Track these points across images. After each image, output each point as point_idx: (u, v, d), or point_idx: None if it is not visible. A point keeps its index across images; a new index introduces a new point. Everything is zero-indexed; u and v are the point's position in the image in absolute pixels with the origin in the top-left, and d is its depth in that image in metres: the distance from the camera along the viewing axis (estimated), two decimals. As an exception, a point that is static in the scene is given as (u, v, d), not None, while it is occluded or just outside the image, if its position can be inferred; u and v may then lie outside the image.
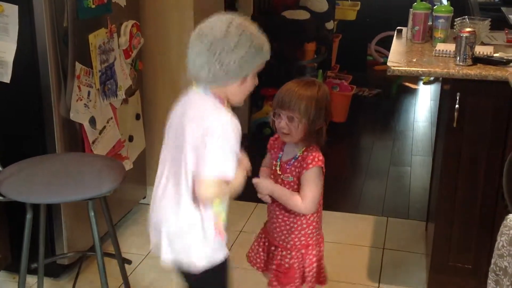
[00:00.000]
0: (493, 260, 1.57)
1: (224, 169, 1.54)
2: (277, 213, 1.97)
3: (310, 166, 1.89)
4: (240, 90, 1.59)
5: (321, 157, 1.91)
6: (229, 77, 1.54)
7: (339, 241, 2.96)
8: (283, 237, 1.98)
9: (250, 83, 1.60)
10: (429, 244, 2.61)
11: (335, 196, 3.51)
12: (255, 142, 2.25)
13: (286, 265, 1.98)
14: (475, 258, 2.40)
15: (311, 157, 1.90)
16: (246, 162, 1.71)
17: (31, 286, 2.52)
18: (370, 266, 2.76)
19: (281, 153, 1.97)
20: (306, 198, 1.89)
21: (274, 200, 1.95)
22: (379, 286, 2.60)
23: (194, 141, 1.56)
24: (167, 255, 1.68)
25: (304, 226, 1.97)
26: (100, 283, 2.14)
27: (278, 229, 1.98)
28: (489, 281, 1.59)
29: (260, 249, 2.07)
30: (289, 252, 1.97)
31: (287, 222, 1.96)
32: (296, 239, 1.97)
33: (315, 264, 2.00)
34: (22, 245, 2.10)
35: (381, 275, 2.68)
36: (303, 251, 1.97)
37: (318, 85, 1.90)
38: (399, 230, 3.09)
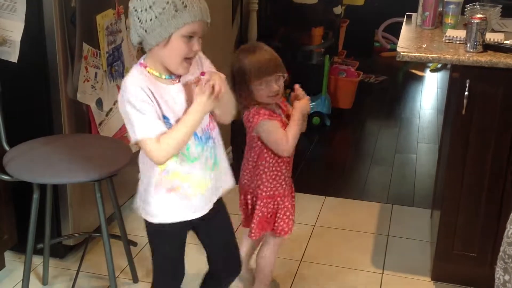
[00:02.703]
0: (502, 248, 1.56)
1: (139, 130, 1.56)
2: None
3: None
4: (167, 53, 1.55)
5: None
6: (150, 36, 1.53)
7: (343, 228, 2.96)
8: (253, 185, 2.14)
9: (178, 45, 1.54)
10: (434, 231, 2.60)
11: (341, 183, 3.51)
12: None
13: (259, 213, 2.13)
14: (480, 247, 2.40)
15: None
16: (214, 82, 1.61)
17: (36, 266, 2.53)
18: (375, 253, 2.76)
19: (280, 111, 2.12)
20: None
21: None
22: (383, 273, 2.61)
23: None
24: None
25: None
26: (106, 264, 2.15)
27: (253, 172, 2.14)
28: (497, 268, 1.59)
29: (243, 203, 2.20)
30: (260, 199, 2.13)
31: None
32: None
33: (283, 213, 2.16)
34: (28, 226, 2.11)
35: (385, 262, 2.68)
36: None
37: (263, 44, 2.07)
38: (404, 217, 3.09)
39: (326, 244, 2.82)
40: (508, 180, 2.30)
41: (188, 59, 1.59)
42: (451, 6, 2.56)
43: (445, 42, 2.40)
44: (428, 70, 5.82)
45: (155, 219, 1.72)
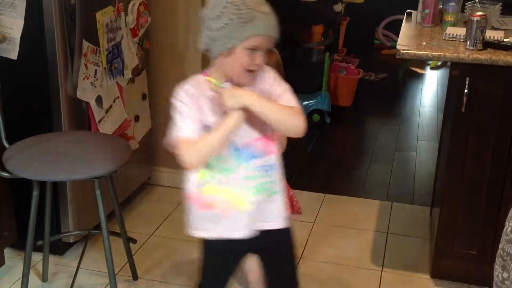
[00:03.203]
0: (500, 246, 1.56)
1: (176, 130, 1.56)
2: None
3: None
4: (229, 63, 1.55)
5: None
6: (215, 45, 1.54)
7: (343, 225, 2.96)
8: None
9: (241, 57, 1.54)
10: (434, 229, 2.61)
11: (340, 180, 3.51)
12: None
13: None
14: (480, 244, 2.40)
15: None
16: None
17: (36, 263, 2.53)
18: (374, 250, 2.76)
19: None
20: None
21: None
22: (382, 270, 2.61)
23: None
24: None
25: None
26: (106, 261, 2.15)
27: None
28: (496, 266, 1.59)
29: None
30: None
31: None
32: None
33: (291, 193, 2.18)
34: (28, 223, 2.11)
35: (385, 260, 2.69)
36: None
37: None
38: (403, 215, 3.09)
39: (326, 241, 2.82)
40: (508, 177, 2.30)
41: (250, 71, 1.58)
42: (451, 4, 2.56)
43: (445, 39, 2.40)
44: (428, 68, 5.82)
45: (193, 232, 1.70)
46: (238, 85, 1.58)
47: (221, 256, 1.75)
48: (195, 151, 1.54)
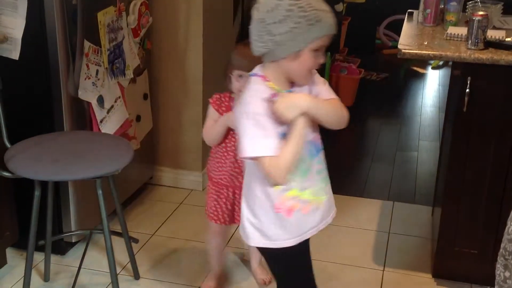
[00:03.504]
0: (502, 245, 1.56)
1: (257, 147, 1.51)
2: None
3: None
4: (296, 66, 1.52)
5: None
6: (280, 49, 1.50)
7: (345, 225, 2.96)
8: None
9: (307, 59, 1.51)
10: (435, 229, 2.61)
11: (342, 180, 3.50)
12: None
13: None
14: (481, 243, 2.40)
15: None
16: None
17: (38, 263, 2.53)
18: (376, 250, 2.76)
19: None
20: None
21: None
22: (384, 270, 2.61)
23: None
24: None
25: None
26: (107, 261, 2.16)
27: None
28: (497, 265, 1.59)
29: (228, 203, 2.23)
30: None
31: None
32: None
33: None
34: (30, 222, 2.12)
35: (387, 259, 2.69)
36: None
37: None
38: (405, 214, 3.09)
39: (327, 241, 2.82)
40: (509, 177, 2.30)
41: (312, 71, 1.59)
42: (452, 4, 2.56)
43: (446, 39, 2.40)
44: (429, 68, 5.82)
45: (277, 244, 1.66)
46: (299, 85, 1.59)
47: (306, 254, 1.78)
48: (284, 169, 1.51)
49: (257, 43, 1.53)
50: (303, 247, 1.72)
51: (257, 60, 2.00)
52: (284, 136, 1.54)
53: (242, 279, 2.51)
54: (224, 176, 2.20)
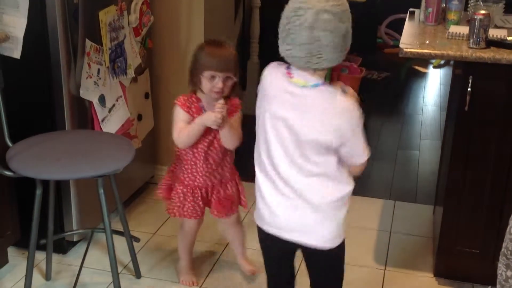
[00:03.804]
0: (504, 244, 1.56)
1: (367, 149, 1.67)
2: (220, 155, 2.24)
3: (238, 110, 2.22)
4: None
5: (238, 101, 2.23)
6: (344, 50, 1.63)
7: (346, 224, 2.96)
8: (218, 175, 2.27)
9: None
10: (437, 228, 2.60)
11: (343, 179, 3.50)
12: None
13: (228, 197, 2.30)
14: (483, 243, 2.40)
15: (235, 104, 2.21)
16: None
17: (39, 262, 2.54)
18: (377, 249, 2.76)
19: (203, 111, 2.17)
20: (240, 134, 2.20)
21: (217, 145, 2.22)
22: (385, 269, 2.61)
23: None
24: None
25: (229, 159, 2.29)
26: (109, 260, 2.16)
27: (217, 170, 2.26)
28: (499, 264, 1.59)
29: (201, 202, 2.29)
30: (227, 184, 2.31)
31: (221, 160, 2.26)
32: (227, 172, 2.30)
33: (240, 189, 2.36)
34: (31, 221, 2.12)
35: (388, 258, 2.69)
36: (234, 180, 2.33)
37: (227, 42, 2.17)
38: (406, 213, 3.09)
39: (329, 240, 2.82)
40: (511, 176, 2.29)
41: None
42: (454, 2, 2.56)
43: (448, 38, 2.40)
44: (431, 67, 5.81)
45: (342, 238, 1.79)
46: None
47: (269, 247, 1.88)
48: None
49: (338, 53, 1.63)
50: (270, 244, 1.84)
51: (229, 60, 2.08)
52: None
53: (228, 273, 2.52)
54: (197, 178, 2.25)
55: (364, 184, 3.44)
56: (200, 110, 2.17)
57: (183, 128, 2.15)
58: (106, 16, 2.50)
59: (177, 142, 2.18)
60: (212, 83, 2.09)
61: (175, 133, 2.17)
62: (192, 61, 2.15)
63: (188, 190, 2.28)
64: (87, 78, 2.43)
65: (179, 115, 2.17)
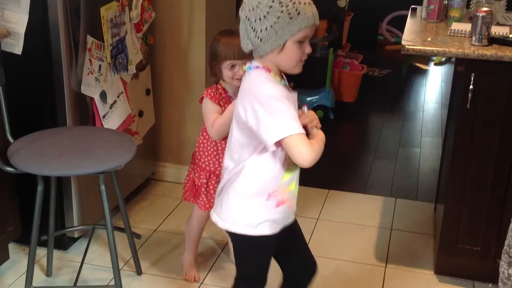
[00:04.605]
0: (506, 242, 1.56)
1: (284, 127, 1.53)
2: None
3: None
4: (282, 58, 1.58)
5: None
6: (266, 45, 1.56)
7: (347, 221, 2.96)
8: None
9: (293, 50, 1.57)
10: (438, 225, 2.60)
11: (344, 176, 3.50)
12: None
13: None
14: (484, 240, 2.40)
15: None
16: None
17: (40, 258, 2.54)
18: (378, 246, 2.76)
19: (231, 100, 2.18)
20: None
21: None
22: (386, 267, 2.61)
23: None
24: None
25: None
26: (110, 256, 2.16)
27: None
28: (501, 262, 1.59)
29: (213, 190, 2.29)
30: None
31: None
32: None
33: None
34: (32, 217, 2.12)
35: (389, 256, 2.68)
36: None
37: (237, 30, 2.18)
38: (407, 211, 3.09)
39: (330, 237, 2.82)
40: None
41: (301, 60, 1.62)
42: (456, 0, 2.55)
43: (450, 35, 2.39)
44: (432, 64, 5.81)
45: (257, 231, 1.69)
46: (292, 75, 1.64)
47: (272, 250, 1.79)
48: (316, 152, 1.52)
49: (244, 40, 1.60)
50: (274, 240, 1.74)
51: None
52: None
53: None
54: (210, 162, 2.28)
55: (364, 181, 3.44)
56: (229, 100, 2.19)
57: (216, 120, 2.15)
58: (108, 12, 2.50)
59: (212, 133, 2.17)
60: (232, 71, 2.12)
61: (209, 126, 2.16)
62: (210, 54, 2.16)
63: (209, 177, 2.29)
64: (88, 74, 2.43)
65: (210, 107, 2.17)
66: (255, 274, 1.80)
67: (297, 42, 1.56)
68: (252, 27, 1.55)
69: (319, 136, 1.59)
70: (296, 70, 1.63)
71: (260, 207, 1.66)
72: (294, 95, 1.63)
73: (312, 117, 1.61)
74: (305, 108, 1.62)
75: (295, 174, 1.70)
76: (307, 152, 1.49)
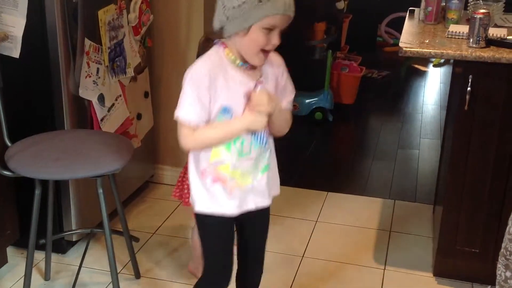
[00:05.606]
0: (503, 245, 1.56)
1: (183, 111, 1.59)
2: None
3: None
4: (245, 42, 1.54)
5: None
6: (230, 24, 1.53)
7: (346, 223, 2.96)
8: None
9: (258, 36, 1.53)
10: (436, 227, 2.60)
11: (343, 178, 3.50)
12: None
13: None
14: (482, 242, 2.39)
15: None
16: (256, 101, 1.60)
17: (39, 261, 2.53)
18: (377, 248, 2.76)
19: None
20: None
21: None
22: (385, 269, 2.61)
23: None
24: None
25: None
26: (108, 259, 2.16)
27: None
28: (498, 265, 1.59)
29: None
30: None
31: None
32: None
33: None
34: (30, 221, 2.11)
35: (387, 258, 2.68)
36: None
37: None
38: (406, 213, 3.08)
39: (328, 239, 2.82)
40: (511, 176, 2.29)
41: (265, 51, 1.58)
42: (454, 1, 2.56)
43: (447, 37, 2.39)
44: (431, 65, 5.81)
45: (197, 207, 1.71)
46: (250, 64, 1.59)
47: (223, 232, 1.77)
48: (192, 140, 1.60)
49: (215, 16, 1.58)
50: (220, 222, 1.73)
51: None
52: (226, 111, 1.58)
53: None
54: None
55: (363, 183, 3.44)
56: None
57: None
58: (106, 15, 2.50)
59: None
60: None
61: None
62: (198, 54, 2.11)
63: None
64: (86, 77, 2.43)
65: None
66: (210, 258, 1.80)
67: (264, 29, 1.51)
68: (222, 3, 1.53)
69: (223, 126, 1.60)
70: (256, 60, 1.58)
71: (200, 185, 1.68)
72: (243, 76, 1.59)
73: (258, 101, 1.56)
74: (257, 88, 1.58)
75: (236, 162, 1.65)
76: (182, 137, 1.59)
